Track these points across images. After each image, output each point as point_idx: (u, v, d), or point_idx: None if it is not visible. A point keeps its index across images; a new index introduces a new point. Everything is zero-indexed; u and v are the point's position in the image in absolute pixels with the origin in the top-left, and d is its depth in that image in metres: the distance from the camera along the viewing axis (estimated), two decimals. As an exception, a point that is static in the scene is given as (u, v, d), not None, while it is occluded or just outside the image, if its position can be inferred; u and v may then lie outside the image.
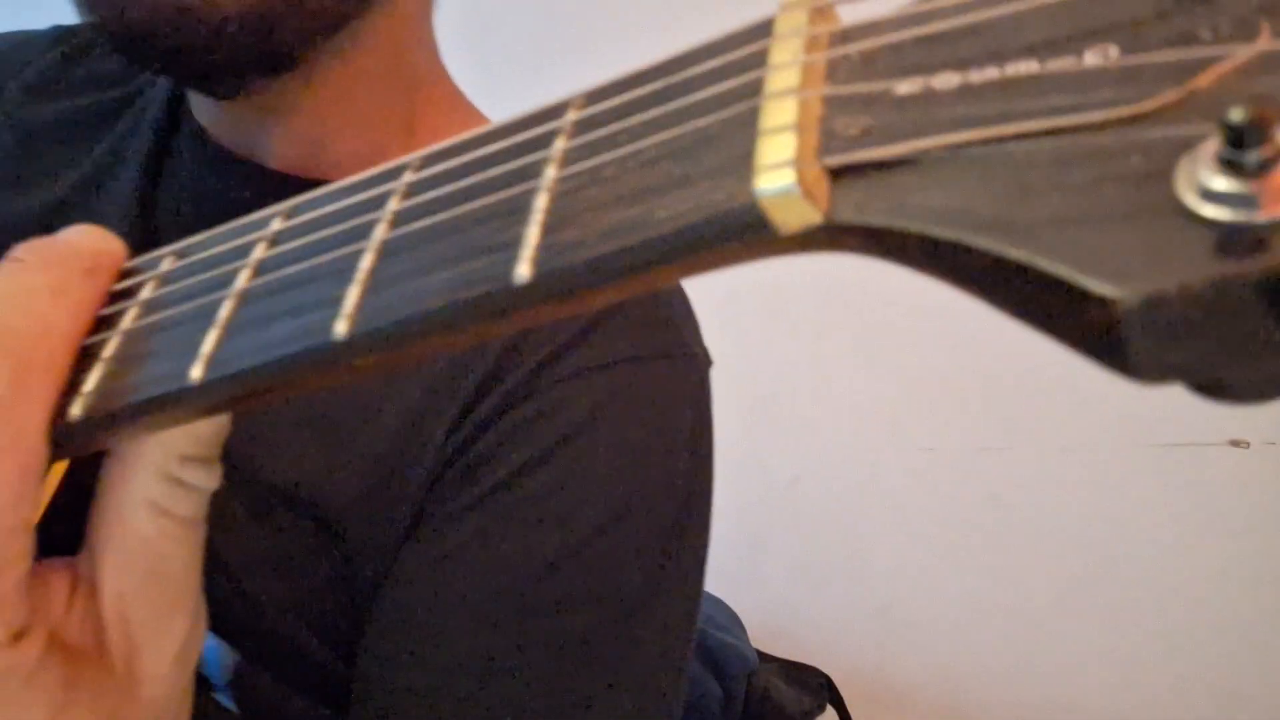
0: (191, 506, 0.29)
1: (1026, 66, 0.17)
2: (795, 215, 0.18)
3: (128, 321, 0.26)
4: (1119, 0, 0.17)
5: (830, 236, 0.18)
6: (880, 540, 1.30)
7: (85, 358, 0.26)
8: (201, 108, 0.52)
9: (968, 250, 0.16)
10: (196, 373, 0.23)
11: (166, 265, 0.27)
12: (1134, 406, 1.20)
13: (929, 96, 0.18)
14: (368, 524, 0.46)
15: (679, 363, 0.51)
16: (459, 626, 0.45)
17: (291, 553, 0.46)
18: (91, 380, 0.25)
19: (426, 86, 0.53)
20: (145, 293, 0.27)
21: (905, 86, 0.18)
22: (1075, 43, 0.17)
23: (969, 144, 0.17)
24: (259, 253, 0.25)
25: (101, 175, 0.54)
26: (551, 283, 0.20)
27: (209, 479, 0.29)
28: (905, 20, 0.19)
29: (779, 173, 0.18)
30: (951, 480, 1.27)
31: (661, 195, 0.19)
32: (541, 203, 0.21)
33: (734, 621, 1.18)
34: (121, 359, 0.25)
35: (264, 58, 0.43)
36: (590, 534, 0.46)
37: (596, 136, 0.21)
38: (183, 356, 0.24)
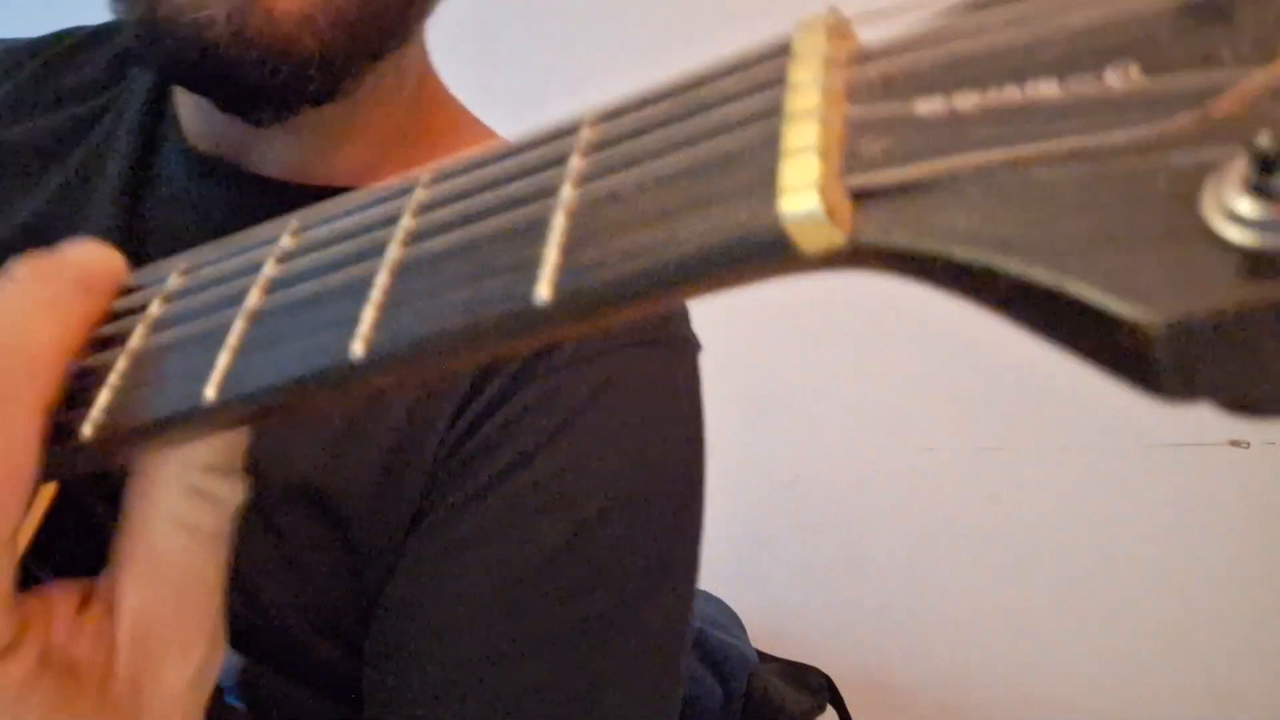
0: (215, 521, 0.28)
1: (1047, 87, 0.17)
2: (819, 237, 0.18)
3: (135, 340, 0.26)
4: (1137, 21, 0.17)
5: (853, 257, 0.18)
6: (880, 540, 1.30)
7: (92, 378, 0.26)
8: (192, 116, 0.51)
9: (994, 273, 0.16)
10: (210, 393, 0.23)
11: (174, 282, 0.27)
12: (1134, 406, 1.20)
13: (950, 118, 0.18)
14: (375, 517, 0.46)
15: (672, 349, 0.52)
16: (467, 618, 0.45)
17: (298, 553, 0.46)
18: (101, 400, 0.25)
19: (425, 94, 0.54)
20: (152, 310, 0.26)
21: (926, 107, 0.18)
22: (1096, 61, 0.17)
23: (992, 165, 0.17)
24: (269, 270, 0.25)
25: (79, 190, 0.53)
26: (572, 303, 0.20)
27: (232, 491, 0.29)
28: (924, 40, 0.19)
29: (803, 195, 0.18)
30: (951, 480, 1.27)
31: (682, 216, 0.19)
32: (559, 222, 0.21)
33: (734, 621, 1.18)
34: (131, 378, 0.25)
35: (321, 92, 0.44)
36: (594, 519, 0.46)
37: (613, 155, 0.21)
38: (195, 376, 0.24)
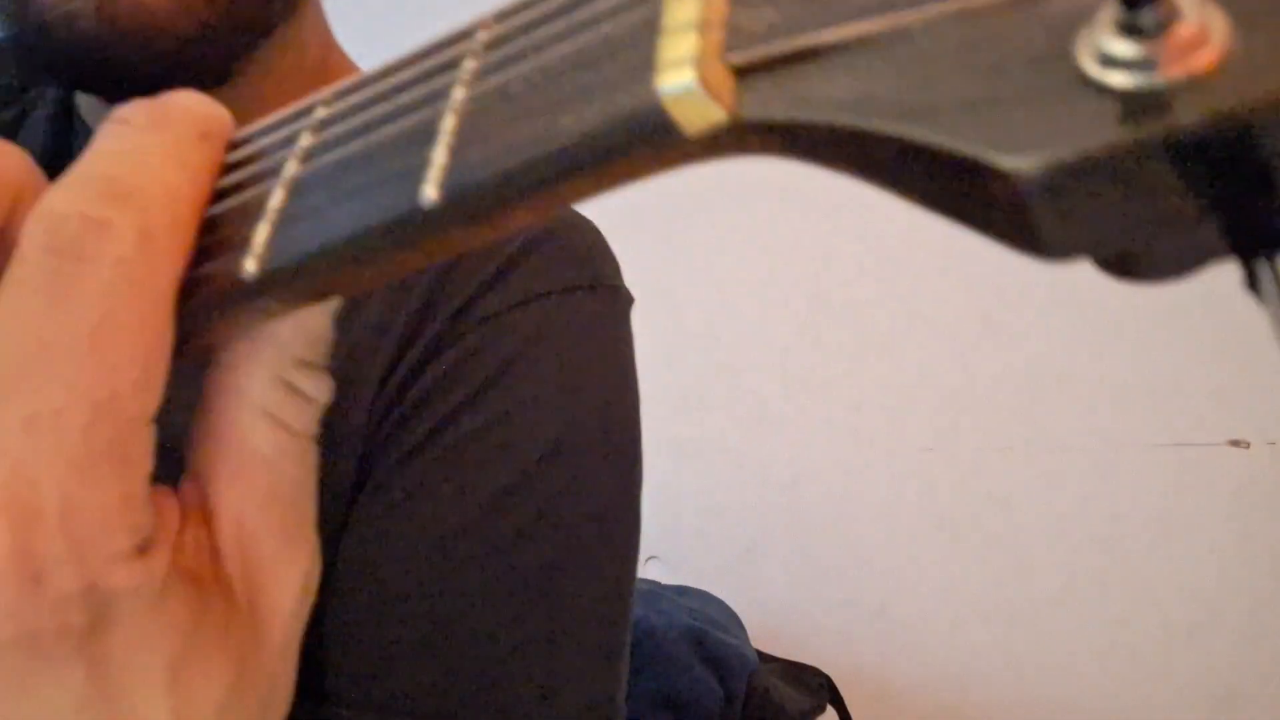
0: (307, 419, 0.26)
1: None
2: (699, 115, 0.17)
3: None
4: None
5: (738, 137, 0.18)
6: (880, 540, 1.30)
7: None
8: (95, 115, 0.51)
9: (873, 137, 0.16)
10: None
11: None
12: (1134, 406, 1.20)
13: None
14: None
15: (600, 294, 0.51)
16: (416, 573, 0.45)
17: None
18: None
19: (330, 68, 0.53)
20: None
21: None
22: None
23: (873, 33, 0.17)
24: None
25: None
26: (459, 203, 0.19)
27: (322, 388, 0.27)
28: None
29: (680, 71, 0.17)
30: (951, 480, 1.27)
31: (567, 106, 0.19)
32: (449, 124, 0.20)
33: (734, 621, 1.18)
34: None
35: (199, 74, 0.43)
36: (533, 466, 0.46)
37: (504, 54, 0.21)
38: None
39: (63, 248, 0.22)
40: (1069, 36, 0.15)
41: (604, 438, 0.49)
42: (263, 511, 0.25)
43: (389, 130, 0.22)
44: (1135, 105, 0.14)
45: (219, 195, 0.24)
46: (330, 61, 0.53)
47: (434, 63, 0.22)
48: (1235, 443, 1.18)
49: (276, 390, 0.25)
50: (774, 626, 1.28)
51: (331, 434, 0.46)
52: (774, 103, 0.17)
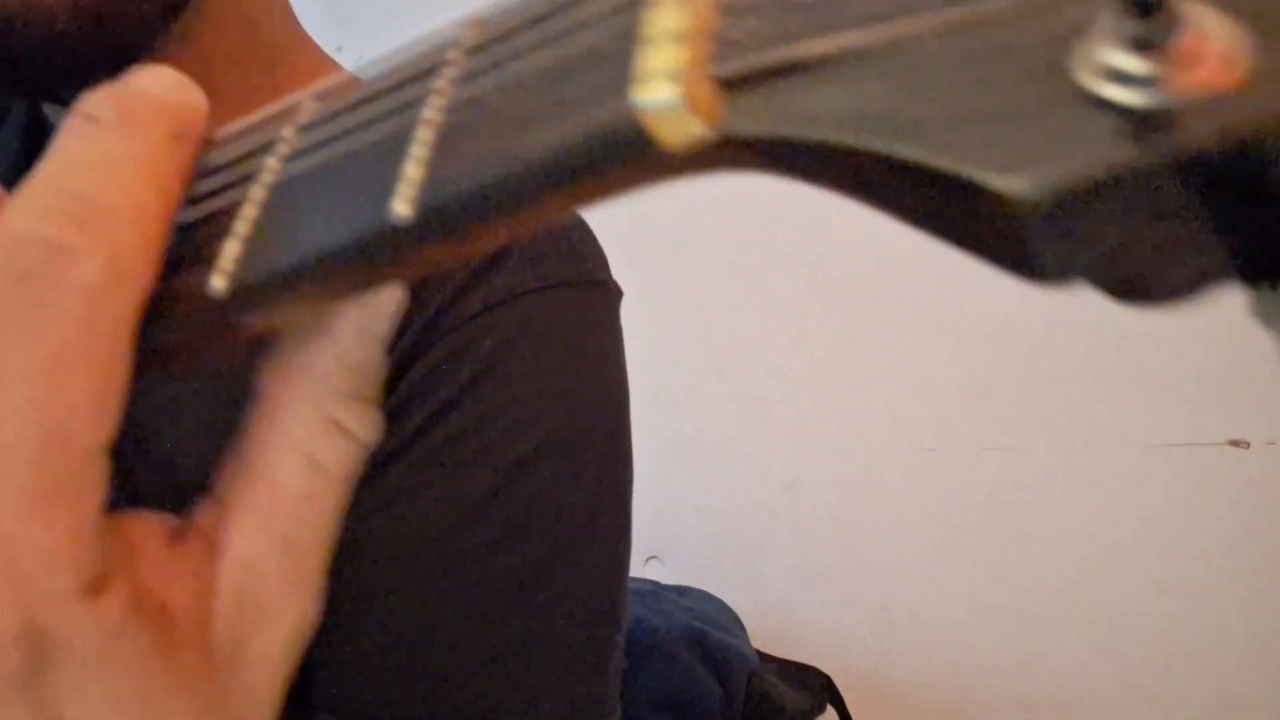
0: (344, 460, 0.25)
1: None
2: (679, 129, 0.17)
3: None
4: None
5: (721, 153, 0.17)
6: (880, 540, 1.29)
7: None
8: (60, 116, 0.50)
9: (861, 155, 0.15)
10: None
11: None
12: (1134, 406, 1.20)
13: None
14: None
15: (586, 290, 0.50)
16: (397, 580, 0.44)
17: None
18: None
19: (289, 56, 0.51)
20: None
21: None
22: None
23: (864, 46, 0.16)
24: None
25: None
26: (432, 219, 0.19)
27: (369, 426, 0.25)
28: None
29: (659, 84, 0.17)
30: (951, 480, 1.27)
31: (544, 119, 0.18)
32: (423, 135, 0.19)
33: (734, 621, 1.18)
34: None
35: (104, 53, 0.41)
36: (516, 468, 0.46)
37: (481, 63, 0.20)
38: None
39: (22, 275, 0.20)
40: (1068, 47, 0.14)
41: (590, 437, 0.48)
42: (276, 556, 0.24)
43: (362, 140, 0.21)
44: (1138, 123, 0.13)
45: (191, 199, 0.23)
46: (279, 40, 0.51)
47: (413, 68, 0.21)
48: (1235, 443, 1.18)
49: (318, 428, 0.24)
50: (774, 626, 1.28)
51: None
52: (759, 118, 0.16)
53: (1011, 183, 0.14)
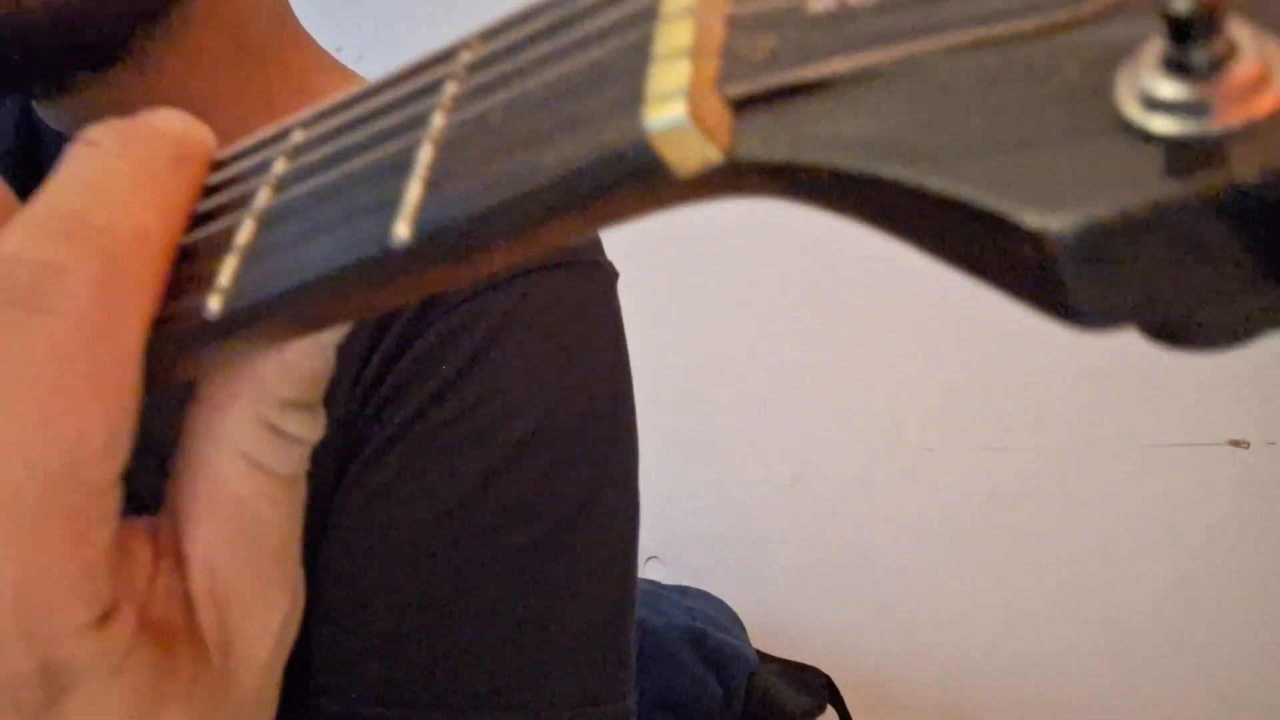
0: (292, 462, 0.24)
1: None
2: (692, 153, 0.16)
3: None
4: None
5: (734, 177, 0.16)
6: (880, 540, 1.29)
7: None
8: (48, 113, 0.49)
9: (882, 184, 0.14)
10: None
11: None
12: (1134, 406, 1.20)
13: (844, 12, 0.16)
14: None
15: (580, 270, 0.50)
16: (398, 565, 0.44)
17: None
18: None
19: (280, 53, 0.51)
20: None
21: (819, 2, 0.16)
22: None
23: (886, 63, 0.15)
24: None
25: None
26: (433, 243, 0.18)
27: (312, 428, 0.25)
28: None
29: (669, 104, 0.16)
30: (951, 480, 1.27)
31: (550, 139, 0.17)
32: (425, 155, 0.19)
33: (734, 621, 1.18)
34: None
35: (82, 53, 0.41)
36: (514, 450, 0.45)
37: (487, 79, 0.19)
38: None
39: (14, 297, 0.19)
40: (1108, 72, 0.13)
41: (588, 417, 0.48)
42: (235, 557, 0.24)
43: (363, 160, 0.20)
44: (1184, 155, 0.12)
45: (196, 220, 0.22)
46: (268, 37, 0.50)
47: (415, 85, 0.21)
48: (1235, 443, 1.18)
49: (257, 432, 0.24)
50: (774, 626, 1.28)
51: None
52: (774, 141, 0.15)
53: (1048, 220, 0.13)
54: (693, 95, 0.16)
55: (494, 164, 0.18)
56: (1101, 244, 0.12)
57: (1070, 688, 1.22)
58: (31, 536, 0.19)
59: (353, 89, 0.22)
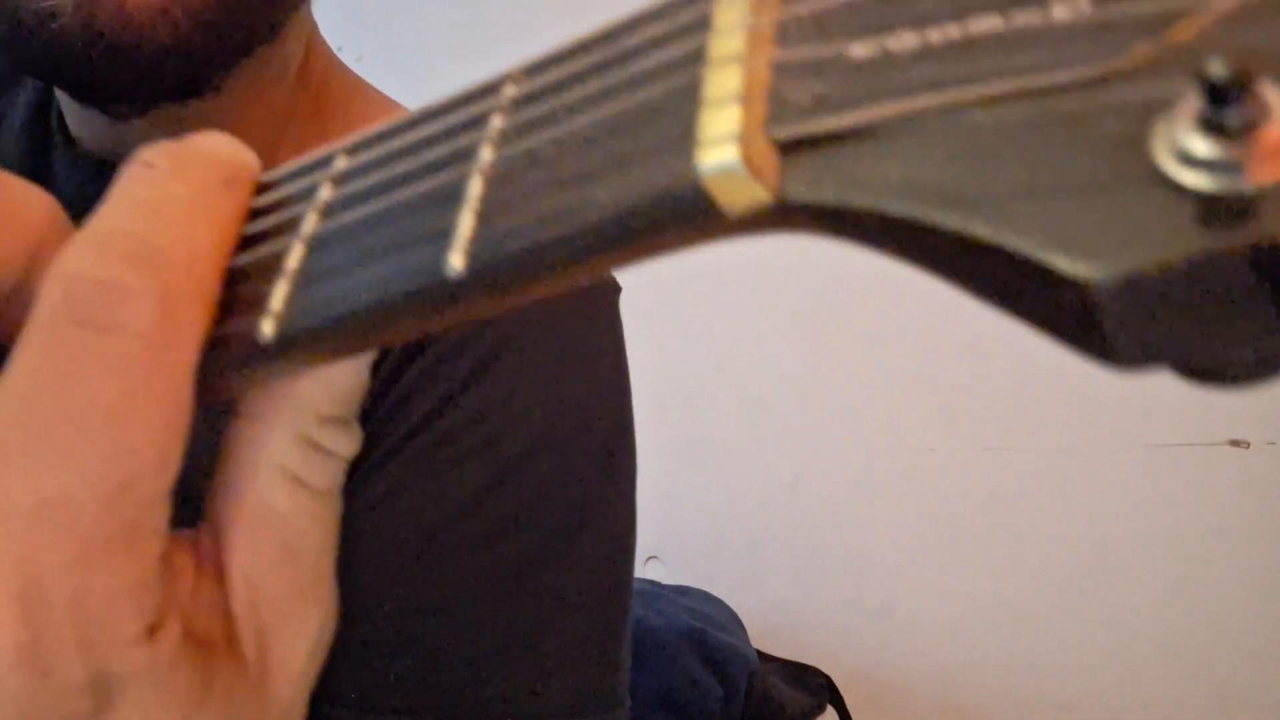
0: (329, 477, 0.25)
1: (990, 23, 0.16)
2: (742, 194, 0.16)
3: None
4: None
5: (781, 217, 0.17)
6: (880, 540, 1.30)
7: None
8: (76, 118, 0.50)
9: (928, 228, 0.15)
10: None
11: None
12: (1134, 406, 1.20)
13: (886, 59, 0.17)
14: None
15: (585, 286, 0.51)
16: (396, 572, 0.45)
17: None
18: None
19: (314, 70, 0.52)
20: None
21: (860, 49, 0.17)
22: None
23: (929, 110, 0.16)
24: None
25: None
26: (486, 274, 0.19)
27: (349, 444, 0.25)
28: None
29: (722, 148, 0.16)
30: (951, 480, 1.27)
31: (601, 177, 0.18)
32: (476, 188, 0.19)
33: (734, 621, 1.18)
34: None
35: (184, 85, 0.42)
36: (514, 462, 0.46)
37: (535, 114, 0.20)
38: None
39: (79, 316, 0.20)
40: (1144, 126, 0.14)
41: (589, 430, 0.48)
42: (275, 571, 0.25)
43: (411, 190, 0.21)
44: (1218, 210, 0.13)
45: (244, 243, 0.23)
46: (315, 64, 0.52)
47: (458, 118, 0.21)
48: (1235, 443, 1.18)
49: (297, 448, 0.24)
50: (774, 626, 1.28)
51: None
52: (821, 184, 0.16)
53: (1091, 269, 0.13)
54: (744, 139, 0.16)
55: (545, 199, 0.18)
56: (1141, 292, 0.13)
57: (1070, 688, 1.22)
58: (89, 550, 0.20)
59: (394, 117, 0.23)
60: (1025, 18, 0.16)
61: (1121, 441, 1.21)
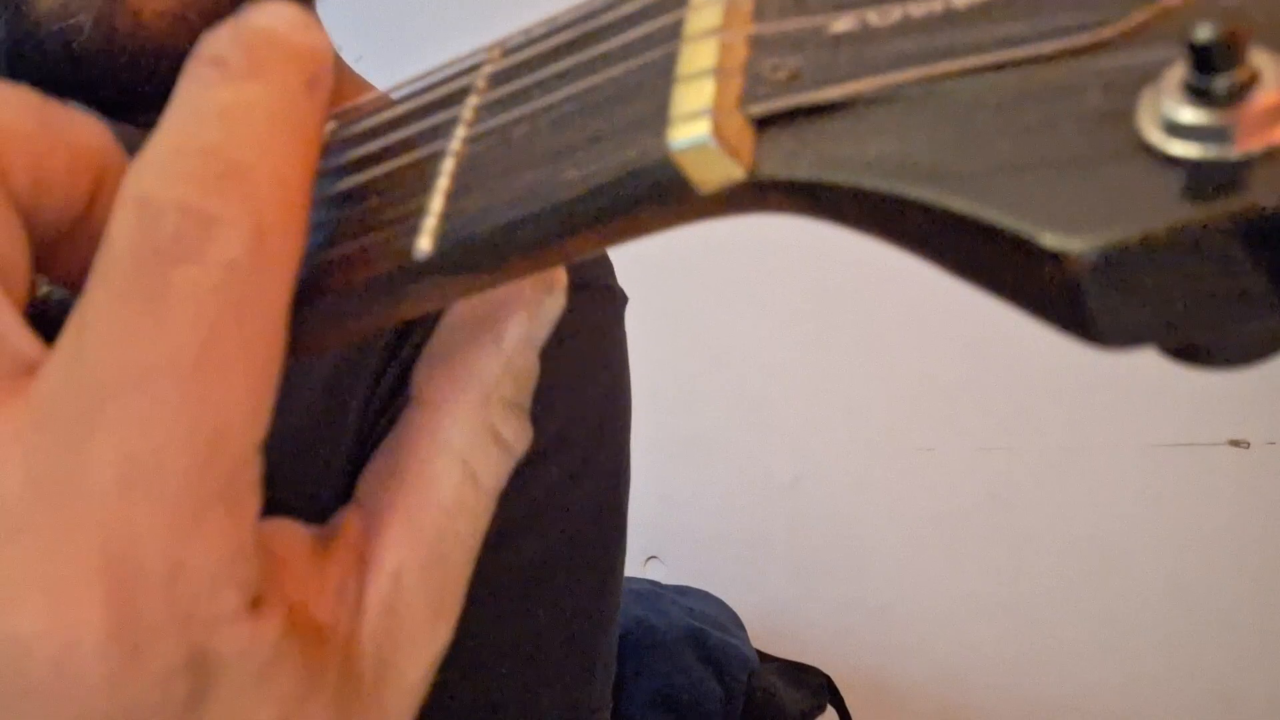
0: (499, 474, 0.24)
1: None
2: (715, 171, 0.16)
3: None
4: None
5: (756, 194, 0.16)
6: (880, 540, 1.29)
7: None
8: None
9: (905, 204, 0.14)
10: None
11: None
12: (1134, 406, 1.20)
13: (865, 33, 0.16)
14: (301, 498, 0.46)
15: (593, 295, 0.50)
16: None
17: None
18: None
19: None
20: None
21: (840, 23, 0.16)
22: None
23: (909, 85, 0.15)
24: None
25: None
26: (455, 256, 0.18)
27: (522, 436, 0.24)
28: None
29: (694, 124, 0.16)
30: (951, 480, 1.27)
31: (572, 155, 0.17)
32: (447, 167, 0.19)
33: (734, 621, 1.18)
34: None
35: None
36: (521, 469, 0.46)
37: (509, 91, 0.19)
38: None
39: (160, 247, 0.17)
40: (1129, 97, 0.14)
41: (592, 442, 0.49)
42: (424, 572, 0.22)
43: (386, 168, 0.20)
44: (1205, 180, 0.13)
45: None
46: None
47: (437, 94, 0.21)
48: (1235, 443, 1.18)
49: (480, 438, 0.23)
50: (774, 626, 1.28)
51: (328, 435, 0.46)
52: (797, 160, 0.15)
53: (1071, 241, 0.13)
54: (716, 114, 0.16)
55: (517, 178, 0.18)
56: (1123, 265, 0.13)
57: (1069, 687, 1.22)
58: (181, 513, 0.18)
59: (372, 95, 0.22)
60: None
61: (1121, 441, 1.21)
